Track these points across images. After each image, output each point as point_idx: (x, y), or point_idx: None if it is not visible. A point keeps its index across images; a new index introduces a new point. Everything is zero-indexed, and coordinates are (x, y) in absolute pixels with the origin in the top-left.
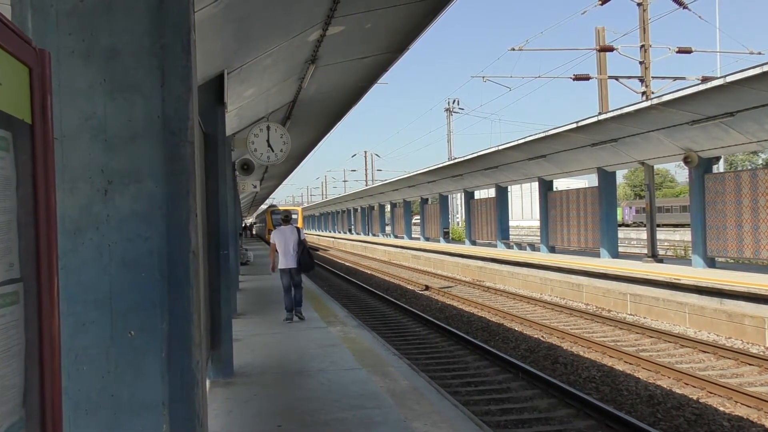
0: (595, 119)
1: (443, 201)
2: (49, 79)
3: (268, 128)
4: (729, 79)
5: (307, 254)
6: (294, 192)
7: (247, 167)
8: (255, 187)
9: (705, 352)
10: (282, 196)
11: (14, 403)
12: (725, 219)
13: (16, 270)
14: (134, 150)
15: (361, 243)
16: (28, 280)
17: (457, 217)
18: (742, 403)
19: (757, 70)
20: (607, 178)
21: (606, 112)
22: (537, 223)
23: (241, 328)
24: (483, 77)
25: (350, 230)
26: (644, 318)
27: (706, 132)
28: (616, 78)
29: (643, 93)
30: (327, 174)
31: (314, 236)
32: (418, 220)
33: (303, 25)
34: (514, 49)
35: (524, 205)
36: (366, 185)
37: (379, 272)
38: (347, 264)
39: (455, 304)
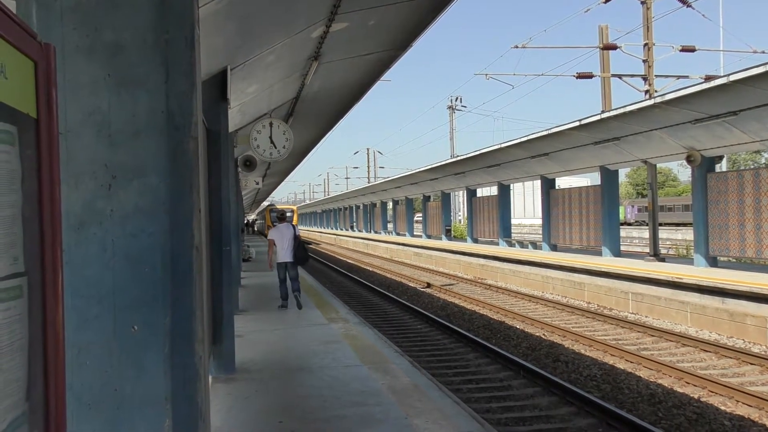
0: (598, 117)
1: (445, 198)
2: (54, 73)
3: (270, 125)
4: (732, 78)
5: (301, 248)
6: (296, 189)
7: (249, 164)
8: (257, 183)
9: (706, 351)
10: (284, 193)
11: (18, 397)
12: (728, 218)
13: (20, 264)
14: (138, 145)
15: (363, 240)
16: (32, 274)
17: (459, 215)
18: (743, 403)
19: (761, 69)
20: (609, 177)
21: (609, 111)
22: (539, 221)
23: (242, 325)
24: (486, 75)
25: (352, 227)
26: (646, 317)
27: (709, 131)
28: (619, 76)
29: (647, 91)
30: (329, 171)
31: (316, 233)
32: (420, 218)
33: (306, 21)
34: (517, 47)
35: (526, 203)
36: (368, 182)
37: (381, 269)
38: (349, 261)
39: (457, 301)
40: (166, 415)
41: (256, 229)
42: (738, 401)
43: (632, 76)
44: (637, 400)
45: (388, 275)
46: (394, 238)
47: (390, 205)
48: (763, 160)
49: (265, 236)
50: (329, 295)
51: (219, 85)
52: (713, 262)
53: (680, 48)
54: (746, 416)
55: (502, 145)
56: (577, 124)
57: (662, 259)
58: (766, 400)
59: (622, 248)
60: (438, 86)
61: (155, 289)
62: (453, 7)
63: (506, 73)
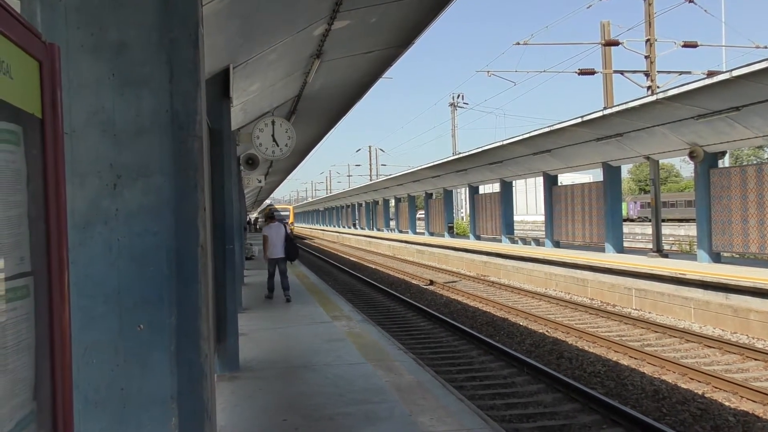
0: (600, 114)
1: (448, 196)
2: (59, 73)
3: (273, 123)
4: (735, 73)
5: (292, 246)
6: (298, 187)
7: (251, 162)
8: (260, 181)
9: (710, 347)
10: (286, 191)
11: (25, 396)
12: (731, 214)
13: (26, 264)
14: (142, 144)
15: (366, 238)
16: (38, 273)
17: (462, 212)
18: (747, 398)
19: (763, 65)
20: (612, 173)
21: (611, 107)
22: (542, 218)
23: (246, 323)
24: (488, 72)
25: (354, 225)
26: (649, 313)
27: (712, 127)
28: (622, 72)
29: (649, 87)
30: (331, 169)
31: (319, 231)
32: (423, 215)
33: (308, 19)
34: (519, 44)
35: (529, 200)
36: (370, 180)
37: (384, 267)
38: (352, 259)
39: (460, 298)
40: (173, 413)
41: (259, 227)
42: (742, 397)
43: (634, 72)
44: (642, 397)
45: (391, 273)
46: (396, 235)
47: (392, 202)
48: (765, 156)
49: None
50: (332, 292)
51: (221, 83)
52: (716, 257)
53: (682, 44)
54: (751, 412)
55: (504, 142)
56: (579, 120)
57: (665, 255)
58: None
59: (625, 244)
60: (440, 83)
61: (161, 288)
62: (454, 5)
63: (508, 70)
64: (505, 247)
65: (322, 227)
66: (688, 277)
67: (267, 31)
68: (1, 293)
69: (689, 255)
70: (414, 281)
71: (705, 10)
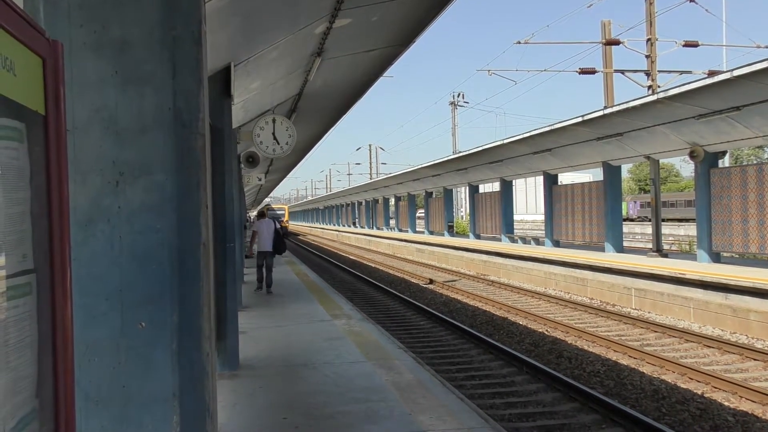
0: (600, 113)
1: (448, 195)
2: (62, 70)
3: (273, 121)
4: (736, 73)
5: (280, 240)
6: (298, 185)
7: (252, 160)
8: (260, 180)
9: (710, 346)
10: (286, 190)
11: (28, 394)
12: (731, 214)
13: (29, 261)
14: (145, 142)
15: (366, 236)
16: (41, 271)
17: (462, 211)
18: (747, 398)
19: (764, 65)
20: (612, 173)
21: (612, 106)
22: (541, 217)
23: (246, 321)
24: (488, 71)
25: (354, 223)
26: (649, 312)
27: (712, 126)
28: (622, 72)
29: (649, 87)
30: (331, 167)
31: (318, 229)
32: (423, 214)
33: (310, 17)
34: (519, 43)
35: (529, 199)
36: (370, 179)
37: (384, 266)
38: (352, 257)
39: (459, 297)
40: (174, 411)
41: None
42: (742, 397)
43: (635, 71)
44: (641, 396)
45: (391, 271)
46: (396, 234)
47: (392, 201)
48: (765, 156)
49: None
50: (332, 291)
51: (222, 81)
52: (716, 257)
53: (683, 43)
54: (750, 412)
55: (505, 141)
56: (579, 119)
57: (665, 255)
58: None
59: (625, 244)
60: (440, 82)
61: (162, 286)
62: (455, 3)
63: (509, 69)
64: (504, 246)
65: (322, 226)
66: (687, 276)
67: (268, 29)
68: (4, 290)
69: (689, 255)
70: (414, 280)
71: (706, 10)
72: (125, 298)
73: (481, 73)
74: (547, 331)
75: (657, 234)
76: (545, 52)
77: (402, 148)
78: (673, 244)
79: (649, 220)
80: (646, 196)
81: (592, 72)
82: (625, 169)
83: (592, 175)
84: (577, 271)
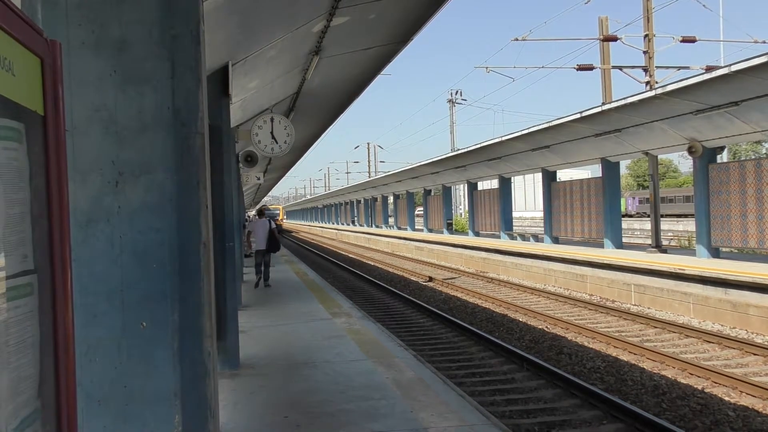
0: (598, 109)
1: (446, 192)
2: (61, 70)
3: (272, 120)
4: (734, 68)
5: (274, 240)
6: (297, 184)
7: (250, 159)
8: (258, 179)
9: (709, 342)
10: (284, 189)
11: (30, 394)
12: (729, 209)
13: (30, 261)
14: (145, 141)
15: (365, 235)
16: (41, 271)
17: (460, 209)
18: (747, 393)
19: (762, 59)
20: (610, 169)
21: (609, 102)
22: (540, 214)
23: (246, 320)
24: (486, 68)
25: (353, 222)
26: (648, 308)
27: (711, 122)
28: (620, 68)
29: (647, 83)
30: (330, 166)
31: (317, 228)
32: (421, 212)
33: (307, 15)
34: (517, 40)
35: (527, 196)
36: (369, 177)
37: (383, 264)
38: (351, 256)
39: (459, 295)
40: (176, 411)
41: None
42: (742, 392)
43: (633, 67)
44: (641, 392)
45: (390, 269)
46: (395, 232)
47: (391, 199)
48: (764, 151)
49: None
50: (332, 289)
51: (221, 80)
52: (715, 252)
53: (681, 39)
54: (750, 406)
55: (503, 138)
56: (578, 116)
57: (664, 251)
58: None
59: (624, 240)
60: (438, 80)
61: (163, 286)
62: (452, 1)
63: (506, 66)
64: (504, 243)
65: (320, 224)
66: (687, 272)
67: (266, 27)
68: (5, 291)
69: (688, 250)
70: (413, 278)
71: (703, 5)
72: (126, 297)
73: (479, 70)
74: (547, 327)
75: (656, 230)
76: (543, 49)
77: (400, 146)
78: (672, 239)
79: (648, 216)
80: (645, 192)
81: (590, 68)
82: (624, 165)
83: (591, 171)
84: (577, 267)
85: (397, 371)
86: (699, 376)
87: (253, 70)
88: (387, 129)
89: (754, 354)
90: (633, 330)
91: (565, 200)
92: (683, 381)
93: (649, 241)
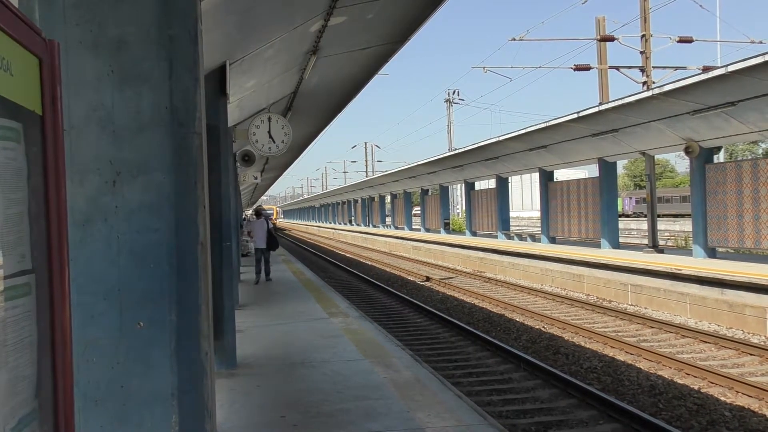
0: (595, 109)
1: (444, 192)
2: (59, 70)
3: (269, 119)
4: (730, 68)
5: (272, 238)
6: (294, 183)
7: (248, 158)
8: (256, 178)
9: (706, 342)
10: (282, 188)
11: (27, 395)
12: (726, 209)
13: (27, 261)
14: (142, 141)
15: (362, 234)
16: (39, 271)
17: (458, 208)
18: (743, 393)
19: (759, 60)
20: (607, 169)
21: (607, 102)
22: (537, 214)
23: (243, 320)
24: (483, 68)
25: (350, 221)
26: (645, 308)
27: (708, 122)
28: (617, 68)
29: (644, 83)
30: (327, 165)
31: (314, 227)
32: (419, 211)
33: (305, 15)
34: (514, 39)
35: (525, 196)
36: (366, 176)
37: (380, 263)
38: (348, 255)
39: (456, 295)
40: (173, 411)
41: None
42: (738, 392)
43: (630, 67)
44: (638, 392)
45: (388, 269)
46: (392, 231)
47: (388, 198)
48: (760, 151)
49: None
50: (329, 289)
51: (218, 80)
52: (712, 253)
53: (678, 39)
54: (746, 407)
55: (500, 138)
56: (575, 116)
57: (661, 251)
58: (766, 390)
59: (621, 240)
60: (435, 79)
61: (161, 285)
62: (450, 1)
63: (504, 66)
64: (501, 243)
65: (318, 224)
66: (683, 272)
67: (264, 27)
68: (3, 291)
69: (685, 250)
70: (410, 277)
71: (700, 6)
72: (123, 297)
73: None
74: (544, 327)
75: (653, 230)
76: (540, 49)
77: (398, 146)
78: (668, 239)
79: (645, 216)
80: (642, 192)
81: (587, 68)
82: (621, 165)
83: (588, 171)
84: (574, 267)
85: (395, 371)
86: (695, 376)
87: (251, 69)
88: (384, 128)
89: (751, 354)
90: (630, 330)
91: (562, 200)
92: (680, 381)
93: (645, 241)
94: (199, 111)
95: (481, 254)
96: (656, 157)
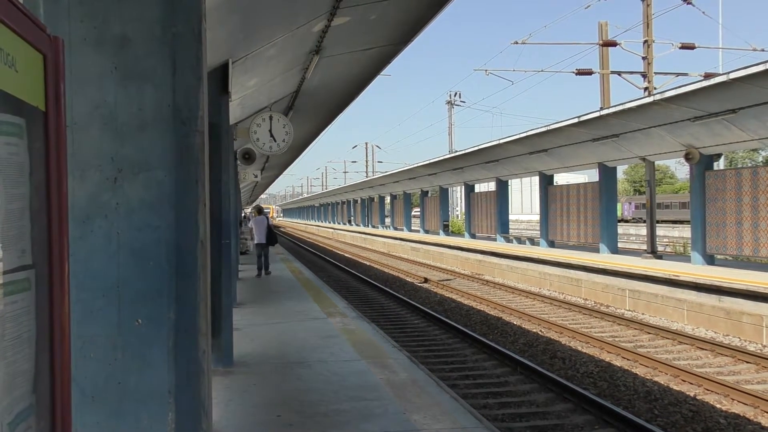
0: (596, 114)
1: (443, 194)
2: (63, 66)
3: (270, 118)
4: (732, 75)
5: (271, 234)
6: (294, 182)
7: (248, 157)
8: (256, 176)
9: (703, 349)
10: (281, 187)
11: (25, 389)
12: (725, 216)
13: (27, 257)
14: (144, 139)
15: (361, 234)
16: (39, 266)
17: (457, 210)
18: (738, 401)
19: (760, 68)
20: (607, 174)
21: (608, 107)
22: (537, 218)
23: (240, 318)
24: (485, 70)
25: (350, 221)
26: (643, 314)
27: (708, 129)
28: (619, 73)
29: (646, 89)
30: (327, 165)
31: (313, 227)
32: (418, 213)
33: (308, 15)
34: (517, 43)
35: (524, 199)
36: (366, 177)
37: (379, 264)
38: (347, 255)
39: (454, 297)
40: (170, 408)
41: (249, 217)
42: (734, 399)
43: (631, 73)
44: (634, 398)
45: (386, 270)
46: (391, 232)
47: (388, 199)
48: (760, 159)
49: None
50: (327, 289)
51: (220, 78)
52: (710, 260)
53: (680, 45)
54: (742, 414)
55: (501, 141)
56: (576, 120)
57: (659, 257)
58: (761, 398)
59: (620, 245)
60: (437, 81)
61: (160, 283)
62: (453, 3)
63: (506, 69)
64: (500, 246)
65: (317, 223)
66: (681, 278)
67: (267, 26)
68: (3, 286)
69: (683, 257)
70: (409, 279)
71: (703, 12)
72: (122, 294)
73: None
74: (541, 331)
75: (651, 235)
76: (542, 53)
77: (398, 147)
78: (667, 245)
79: (644, 222)
80: (641, 198)
81: (589, 73)
82: (621, 170)
83: (588, 175)
84: (572, 271)
85: (391, 372)
86: (691, 383)
87: (253, 68)
88: (385, 129)
89: (747, 362)
90: (627, 335)
91: (561, 204)
92: (676, 387)
93: (644, 247)
94: (201, 109)
95: (479, 257)
96: (656, 163)
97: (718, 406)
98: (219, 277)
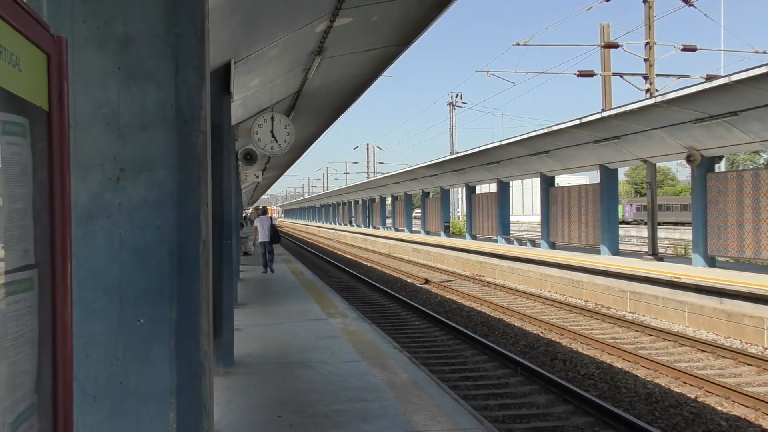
0: (598, 116)
1: (444, 195)
2: (66, 66)
3: (272, 119)
4: (734, 78)
5: (275, 233)
6: (295, 183)
7: (250, 157)
8: (257, 177)
9: (704, 351)
10: (282, 187)
11: (27, 389)
12: (726, 218)
13: (30, 256)
14: (147, 138)
15: (362, 235)
16: (42, 266)
17: (458, 212)
18: (739, 403)
19: (762, 70)
20: (609, 175)
21: (609, 109)
22: (538, 219)
23: (241, 318)
24: (487, 72)
25: (351, 222)
26: (643, 316)
27: (710, 131)
28: (621, 75)
29: (647, 90)
30: (329, 166)
31: (314, 228)
32: (419, 214)
33: (310, 16)
34: (518, 44)
35: (525, 201)
36: (367, 177)
37: (380, 265)
38: (347, 256)
39: (455, 298)
40: (171, 408)
41: (251, 218)
42: (735, 402)
43: (633, 74)
44: (634, 400)
45: (387, 271)
46: (392, 233)
47: (389, 200)
48: (761, 161)
49: None
50: (328, 289)
51: (222, 78)
52: (711, 262)
53: (681, 47)
54: (743, 417)
55: (502, 143)
56: (577, 122)
57: (660, 259)
58: (762, 400)
59: (621, 247)
60: (439, 82)
61: (162, 283)
62: (455, 4)
63: (507, 71)
64: (501, 247)
65: (318, 224)
66: (682, 280)
67: (269, 26)
68: (6, 285)
69: (684, 258)
70: (409, 280)
71: (705, 14)
72: (124, 294)
73: (480, 74)
74: (541, 333)
75: (653, 237)
76: (544, 54)
77: (400, 148)
78: (668, 247)
79: (645, 224)
80: (643, 200)
81: (591, 75)
82: (622, 172)
83: (589, 177)
84: (573, 273)
85: (392, 373)
86: (692, 385)
87: (255, 68)
88: (386, 130)
89: (748, 364)
90: (628, 337)
91: (562, 206)
92: (677, 389)
93: (645, 249)
94: (204, 109)
95: (480, 258)
96: (658, 165)
97: (719, 408)
98: (220, 277)
